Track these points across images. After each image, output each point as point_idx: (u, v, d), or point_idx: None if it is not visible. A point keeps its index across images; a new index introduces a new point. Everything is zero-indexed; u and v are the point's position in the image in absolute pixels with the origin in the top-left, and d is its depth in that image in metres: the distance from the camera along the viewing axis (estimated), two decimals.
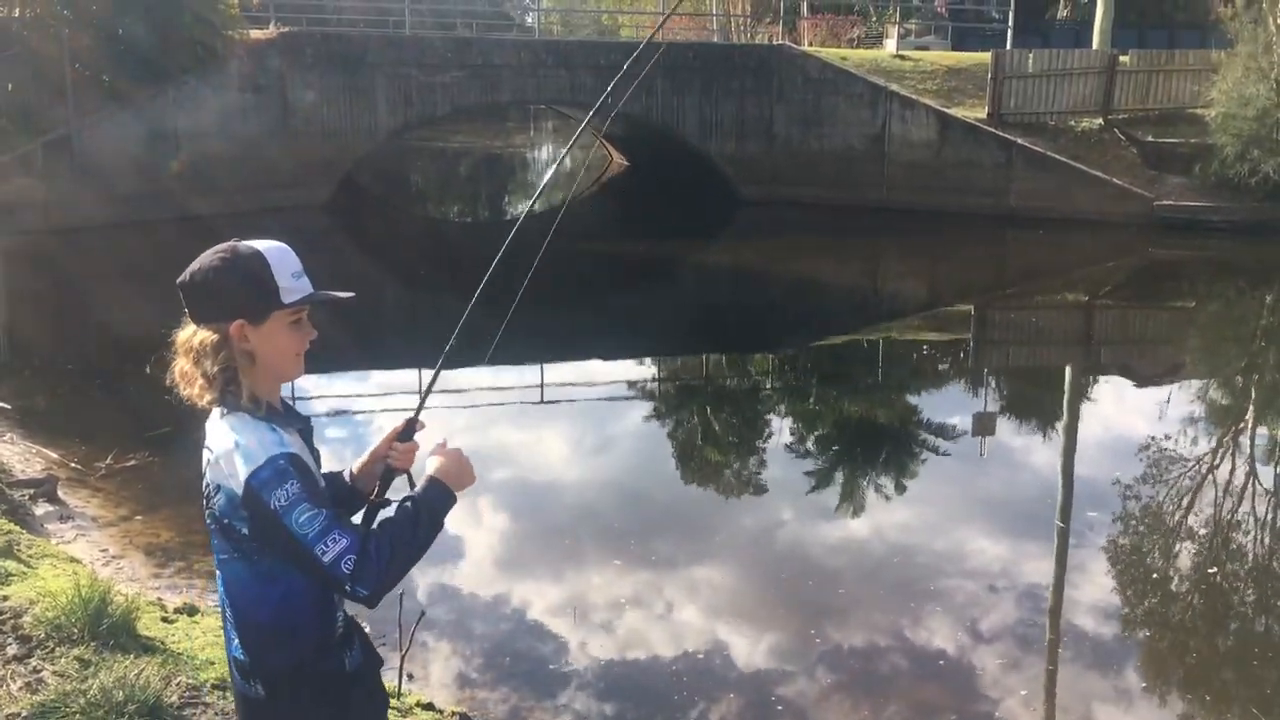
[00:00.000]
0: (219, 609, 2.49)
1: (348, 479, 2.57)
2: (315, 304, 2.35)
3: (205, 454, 2.30)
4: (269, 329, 2.28)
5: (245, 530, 2.22)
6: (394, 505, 2.35)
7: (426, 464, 2.43)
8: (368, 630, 5.79)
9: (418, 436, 2.54)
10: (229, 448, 2.21)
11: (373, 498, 2.46)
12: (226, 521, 2.24)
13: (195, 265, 2.29)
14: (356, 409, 10.59)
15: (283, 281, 2.28)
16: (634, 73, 3.25)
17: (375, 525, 2.32)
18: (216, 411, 2.30)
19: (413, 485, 2.42)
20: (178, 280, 2.30)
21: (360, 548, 2.15)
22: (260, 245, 2.31)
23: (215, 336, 2.25)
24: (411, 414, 2.55)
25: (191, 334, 2.28)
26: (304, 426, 2.40)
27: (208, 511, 2.30)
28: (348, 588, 2.15)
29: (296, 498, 2.15)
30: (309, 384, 10.99)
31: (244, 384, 2.26)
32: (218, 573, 2.37)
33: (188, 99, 20.59)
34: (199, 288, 2.27)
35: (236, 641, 2.34)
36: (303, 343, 2.37)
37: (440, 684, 5.52)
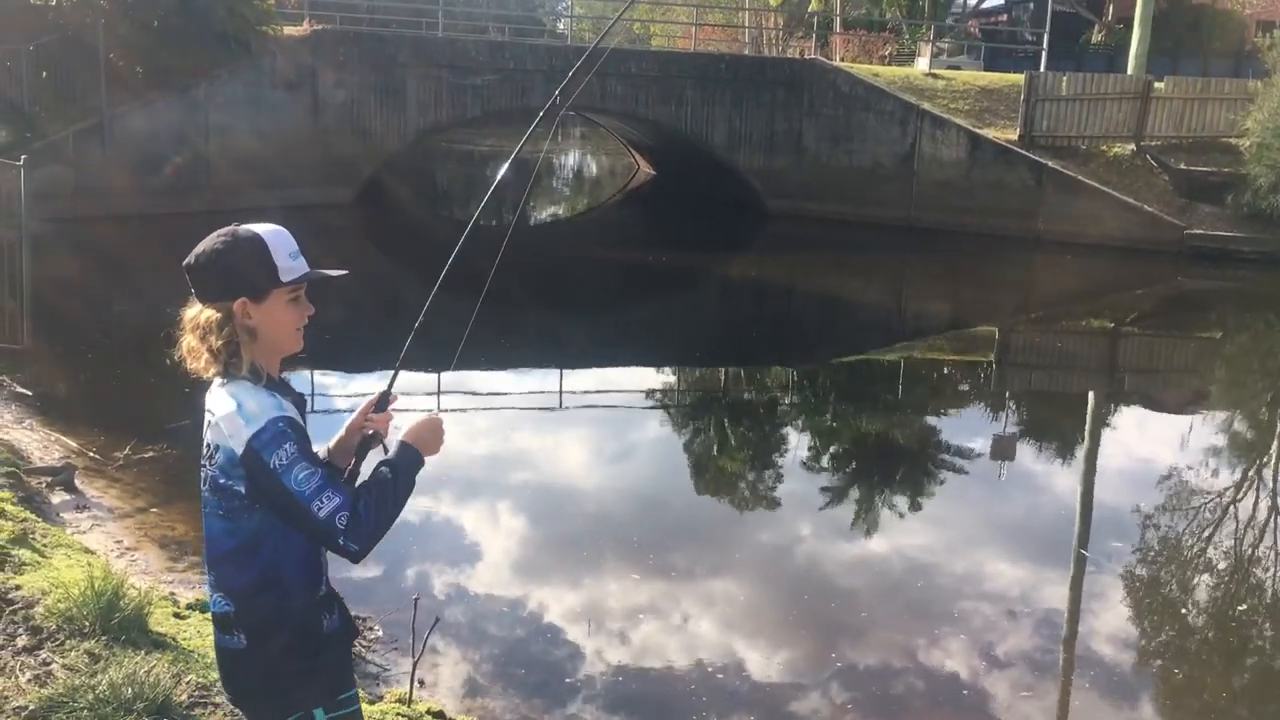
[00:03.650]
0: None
1: (323, 456, 2.71)
2: (311, 281, 2.53)
3: (207, 417, 2.47)
4: (269, 306, 2.46)
5: (242, 489, 2.39)
6: (371, 470, 2.55)
7: (403, 427, 2.64)
8: (380, 634, 5.80)
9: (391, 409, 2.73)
10: (231, 410, 2.38)
11: (350, 468, 2.65)
12: (224, 481, 2.41)
13: (199, 248, 2.47)
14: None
15: (280, 261, 2.46)
16: (582, 75, 3.42)
17: (357, 486, 2.51)
18: (217, 381, 2.48)
19: (387, 452, 2.61)
20: (184, 262, 2.48)
21: (351, 506, 2.35)
22: (258, 228, 2.49)
23: (219, 314, 2.43)
24: (385, 390, 2.73)
25: (198, 312, 2.47)
26: (297, 399, 2.56)
27: (205, 472, 2.46)
28: (340, 541, 2.34)
29: (294, 457, 2.34)
30: (325, 380, 11.01)
31: (245, 357, 2.44)
32: (206, 532, 2.51)
33: (220, 93, 20.69)
34: (203, 269, 2.45)
35: (219, 596, 2.50)
36: (301, 318, 2.54)
37: (451, 691, 5.47)
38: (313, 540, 2.42)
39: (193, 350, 2.46)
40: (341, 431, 2.71)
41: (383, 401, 2.71)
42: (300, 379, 9.92)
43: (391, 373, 2.78)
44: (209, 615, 2.59)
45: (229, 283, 2.43)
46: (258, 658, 2.49)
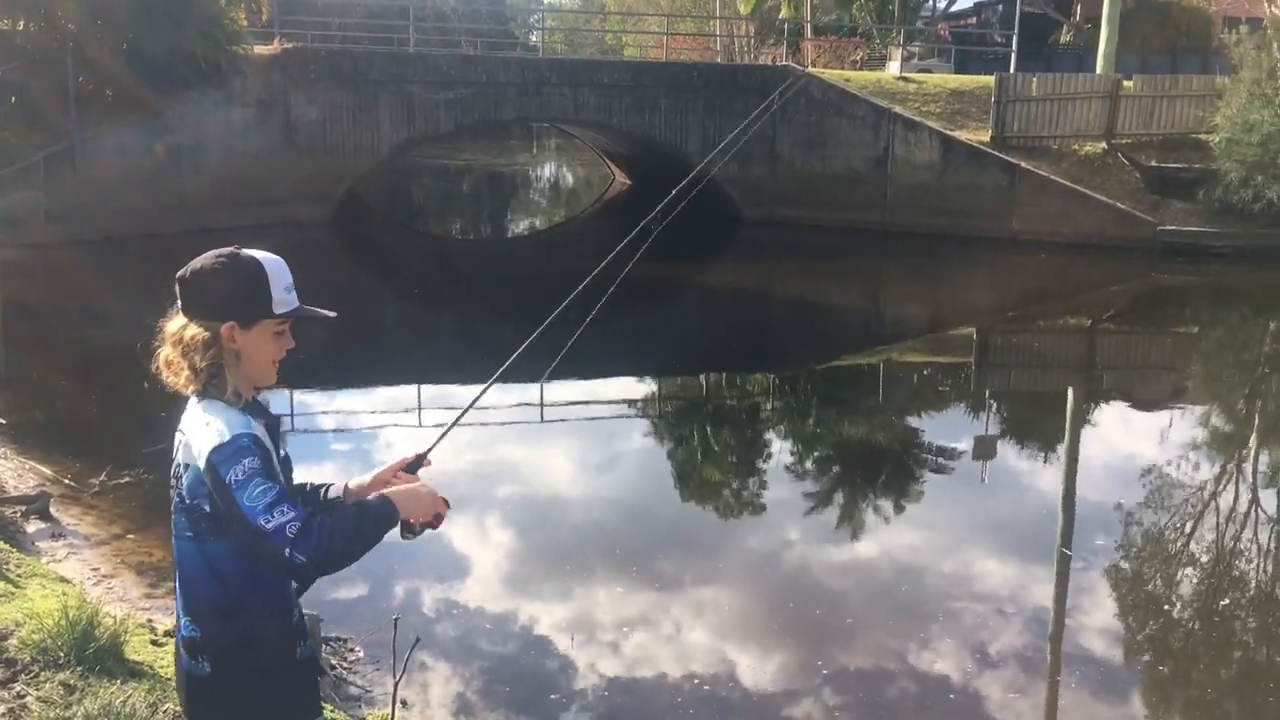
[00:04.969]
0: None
1: (331, 495, 2.70)
2: (300, 318, 2.51)
3: (178, 437, 2.44)
4: (256, 334, 2.44)
5: (207, 508, 2.35)
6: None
7: (390, 491, 2.56)
8: (360, 654, 5.75)
9: (422, 473, 2.71)
10: (201, 427, 2.35)
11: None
12: (192, 501, 2.37)
13: (197, 264, 2.43)
14: (348, 426, 10.52)
15: (276, 293, 2.44)
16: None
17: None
18: (194, 399, 2.45)
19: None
20: (177, 274, 2.43)
21: (306, 520, 2.26)
22: (260, 256, 2.46)
23: (206, 334, 2.40)
24: (423, 451, 2.73)
25: (182, 327, 2.43)
26: (271, 422, 2.52)
27: (174, 491, 2.43)
28: (287, 552, 2.22)
29: (251, 472, 2.27)
30: (304, 398, 10.94)
31: (228, 379, 2.42)
32: (175, 554, 2.47)
33: (191, 113, 20.61)
34: (198, 285, 2.41)
35: (186, 619, 2.44)
36: (281, 351, 2.52)
37: (436, 711, 5.42)
38: (265, 556, 2.28)
39: (172, 364, 2.42)
40: (367, 478, 2.68)
41: (416, 464, 2.69)
42: (279, 398, 9.85)
43: (433, 441, 2.78)
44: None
45: (222, 305, 2.40)
46: (223, 685, 2.43)
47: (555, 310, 2.95)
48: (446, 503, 2.64)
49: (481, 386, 3.01)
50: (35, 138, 18.66)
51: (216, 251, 2.44)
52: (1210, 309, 18.54)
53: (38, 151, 18.52)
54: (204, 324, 2.39)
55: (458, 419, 2.91)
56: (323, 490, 2.71)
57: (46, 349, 12.73)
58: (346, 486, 2.70)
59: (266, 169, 21.42)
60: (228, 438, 2.31)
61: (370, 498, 2.50)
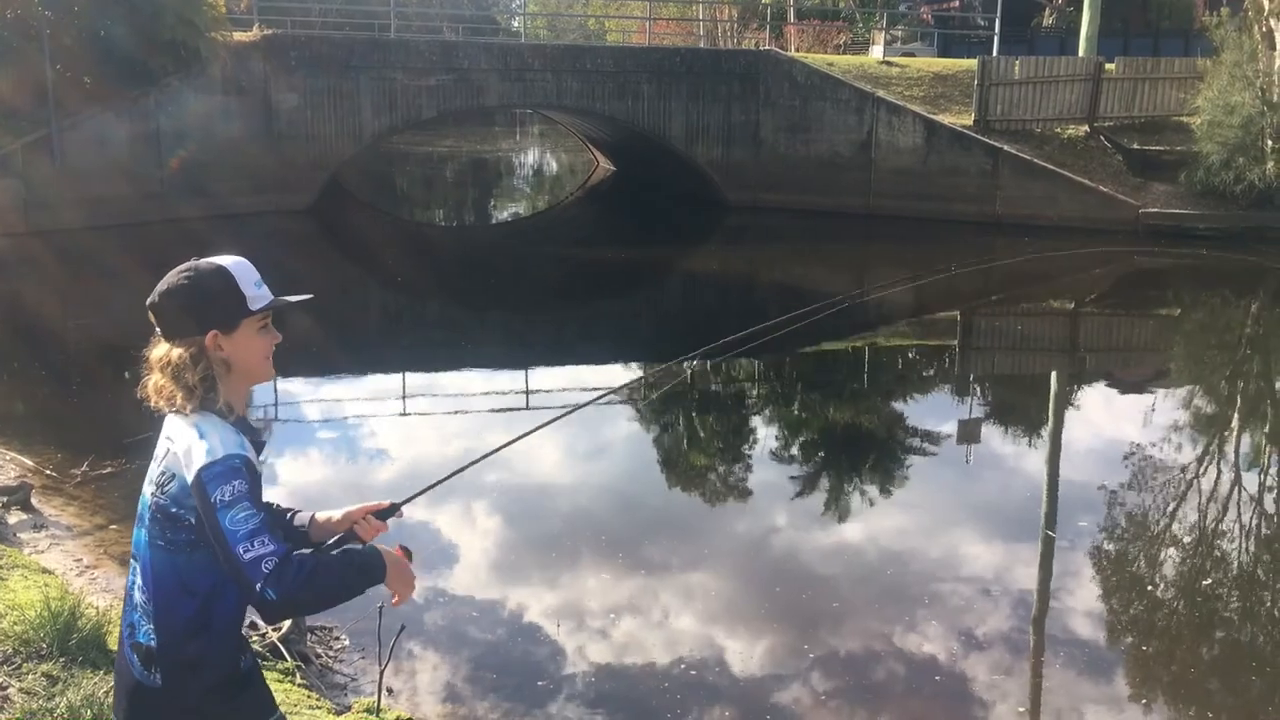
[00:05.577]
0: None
1: (297, 523, 2.67)
2: (278, 309, 2.50)
3: (164, 444, 2.43)
4: (240, 336, 2.43)
5: (193, 520, 2.32)
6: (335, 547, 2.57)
7: (384, 550, 2.52)
8: (346, 642, 5.73)
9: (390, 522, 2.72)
10: (194, 439, 2.33)
11: (321, 548, 2.59)
12: (176, 510, 2.35)
13: (163, 286, 2.42)
14: (331, 415, 10.48)
15: (247, 291, 2.44)
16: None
17: (309, 552, 2.43)
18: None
19: None
20: (147, 302, 2.43)
21: (285, 556, 2.24)
22: (221, 260, 2.46)
23: (192, 349, 2.39)
24: (398, 502, 2.73)
25: (166, 350, 2.41)
26: (256, 439, 2.50)
27: (154, 499, 2.39)
28: (258, 586, 2.20)
29: (238, 496, 2.26)
30: (288, 386, 10.89)
31: (221, 391, 2.40)
32: (140, 560, 2.43)
33: (170, 101, 20.45)
34: (170, 306, 2.40)
35: (148, 628, 2.39)
36: (270, 346, 2.53)
37: (422, 698, 5.41)
38: (235, 582, 2.27)
39: (162, 388, 2.40)
40: (337, 514, 2.66)
41: (389, 512, 2.69)
42: (263, 388, 9.80)
43: (414, 493, 2.82)
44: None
45: (199, 317, 2.39)
46: (173, 701, 2.40)
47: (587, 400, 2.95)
48: (407, 554, 2.60)
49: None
50: (13, 127, 18.51)
51: (177, 269, 2.44)
52: (1192, 291, 18.62)
53: (15, 140, 18.37)
54: (187, 341, 2.39)
55: (442, 480, 2.96)
56: (289, 515, 2.68)
57: (26, 339, 12.64)
58: (313, 517, 2.67)
59: (247, 156, 21.29)
60: (220, 455, 2.30)
61: (362, 550, 2.48)
